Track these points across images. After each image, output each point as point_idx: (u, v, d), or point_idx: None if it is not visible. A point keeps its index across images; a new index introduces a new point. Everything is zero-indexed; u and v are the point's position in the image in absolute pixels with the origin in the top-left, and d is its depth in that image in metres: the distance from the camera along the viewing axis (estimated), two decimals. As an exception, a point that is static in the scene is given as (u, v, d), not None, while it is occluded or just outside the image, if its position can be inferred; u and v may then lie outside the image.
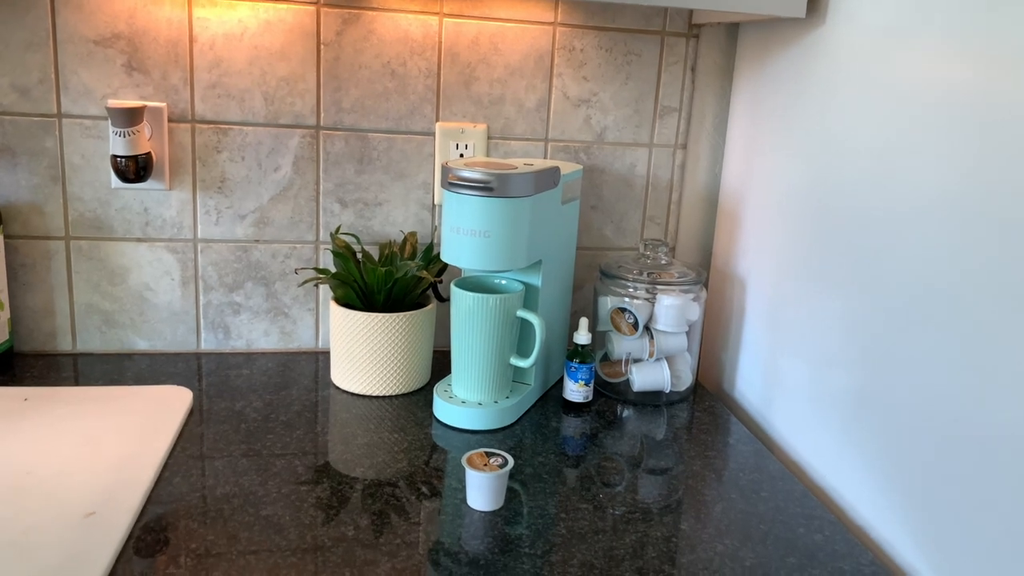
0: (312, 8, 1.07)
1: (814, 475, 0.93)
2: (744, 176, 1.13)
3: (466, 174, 0.89)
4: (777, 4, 0.89)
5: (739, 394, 1.13)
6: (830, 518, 0.81)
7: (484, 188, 0.89)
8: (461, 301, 0.95)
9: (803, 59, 0.97)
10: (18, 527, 0.70)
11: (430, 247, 1.11)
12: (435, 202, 1.16)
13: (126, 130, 1.01)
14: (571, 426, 1.00)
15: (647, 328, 1.07)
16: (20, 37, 1.02)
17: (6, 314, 1.05)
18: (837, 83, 0.89)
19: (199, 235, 1.12)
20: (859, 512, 0.84)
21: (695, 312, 1.07)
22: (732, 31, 1.17)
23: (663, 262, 1.10)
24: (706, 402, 1.10)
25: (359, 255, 1.09)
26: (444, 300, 1.12)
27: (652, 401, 1.08)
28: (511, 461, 0.80)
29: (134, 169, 1.03)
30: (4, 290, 1.04)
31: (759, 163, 1.08)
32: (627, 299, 1.06)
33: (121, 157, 1.02)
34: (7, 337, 1.06)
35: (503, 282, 1.01)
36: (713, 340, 1.21)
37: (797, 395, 0.97)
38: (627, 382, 1.08)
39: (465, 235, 0.91)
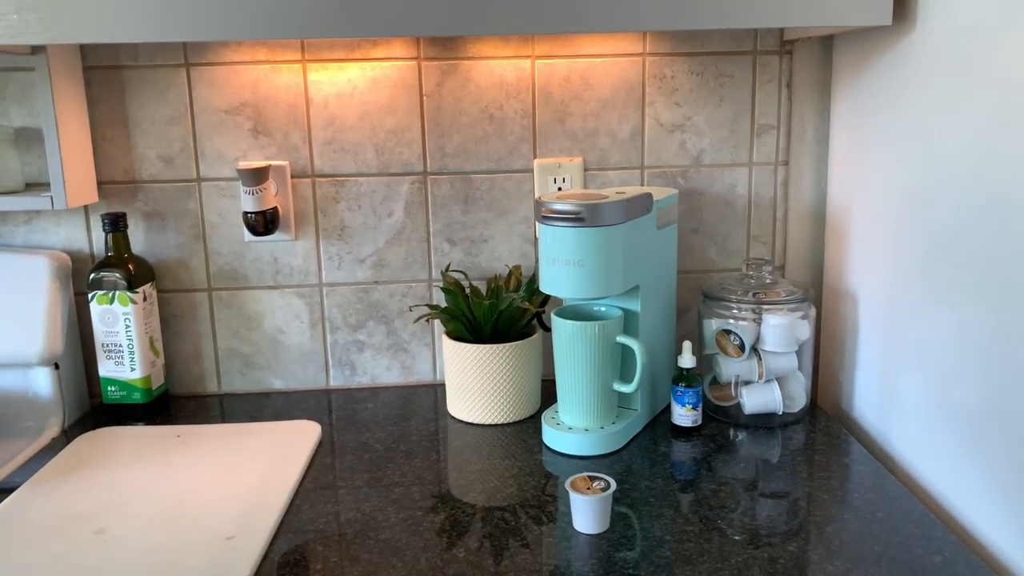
0: (413, 63, 1.15)
1: (936, 494, 0.89)
2: (850, 189, 1.10)
3: (557, 206, 0.93)
4: (861, 14, 0.88)
5: (857, 413, 1.09)
6: (951, 539, 0.78)
7: (575, 219, 0.92)
8: (561, 329, 0.98)
9: (898, 66, 0.94)
10: (172, 547, 0.79)
11: (533, 279, 1.15)
12: (537, 235, 1.21)
13: (254, 188, 1.12)
14: (680, 451, 1.00)
15: (754, 349, 1.06)
16: (163, 113, 1.15)
17: (161, 360, 1.18)
18: (934, 87, 0.87)
19: (324, 280, 1.21)
20: (984, 533, 0.80)
21: (804, 331, 1.05)
22: (827, 44, 1.16)
23: (768, 281, 1.09)
24: (822, 422, 1.07)
25: (467, 290, 1.14)
26: (548, 329, 1.15)
27: (765, 424, 1.07)
28: (613, 484, 0.82)
29: (263, 223, 1.14)
30: (159, 339, 1.17)
31: (864, 174, 1.05)
32: (732, 321, 1.05)
33: (251, 213, 1.13)
34: (163, 381, 1.18)
35: (603, 309, 1.04)
36: (829, 358, 1.18)
37: (916, 412, 0.94)
38: (738, 405, 1.07)
39: (560, 265, 0.95)
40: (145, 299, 1.13)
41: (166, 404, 1.19)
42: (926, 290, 0.91)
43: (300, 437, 1.04)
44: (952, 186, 0.84)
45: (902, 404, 0.97)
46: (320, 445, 1.04)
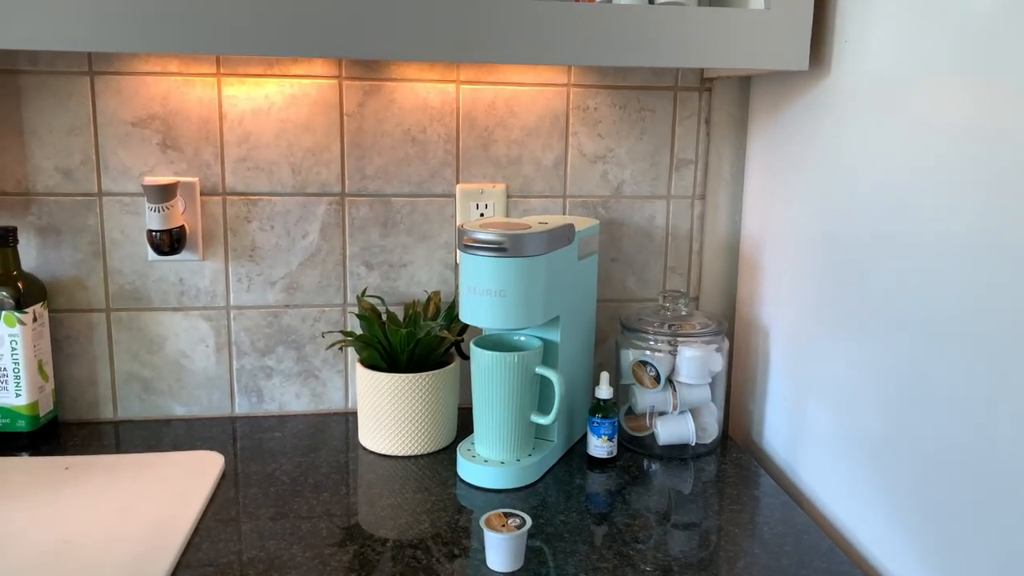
0: (335, 82, 1.12)
1: (841, 527, 0.91)
2: (763, 224, 1.13)
3: (480, 236, 0.91)
4: (779, 59, 0.91)
5: (767, 445, 1.12)
6: (856, 573, 0.79)
7: (497, 249, 0.91)
8: (480, 359, 0.97)
9: (813, 108, 0.97)
10: (53, 595, 0.73)
11: (452, 306, 1.13)
12: (457, 262, 1.19)
13: (160, 205, 1.06)
14: (595, 482, 1.00)
15: (670, 380, 1.07)
16: (64, 122, 1.08)
17: (51, 385, 1.10)
18: (847, 131, 0.90)
19: (232, 302, 1.16)
20: (887, 566, 0.82)
21: (718, 363, 1.07)
22: (744, 84, 1.19)
23: (684, 313, 1.10)
24: (733, 454, 1.08)
25: (384, 316, 1.12)
26: (467, 358, 1.13)
27: (678, 455, 1.08)
28: (529, 521, 0.81)
29: (169, 242, 1.08)
30: (49, 362, 1.09)
31: (777, 211, 1.08)
32: (648, 352, 1.06)
33: (156, 231, 1.07)
34: (52, 407, 1.10)
35: (522, 339, 1.03)
36: (741, 390, 1.20)
37: (822, 444, 0.96)
38: (652, 436, 1.08)
39: (481, 295, 0.93)
40: (35, 320, 1.05)
41: (55, 432, 1.11)
42: (833, 324, 0.93)
43: (201, 469, 0.98)
44: (859, 223, 0.87)
45: (809, 436, 0.99)
46: (223, 477, 0.99)
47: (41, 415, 1.07)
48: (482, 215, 1.17)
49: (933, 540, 0.75)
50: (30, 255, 1.11)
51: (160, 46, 0.84)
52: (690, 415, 1.07)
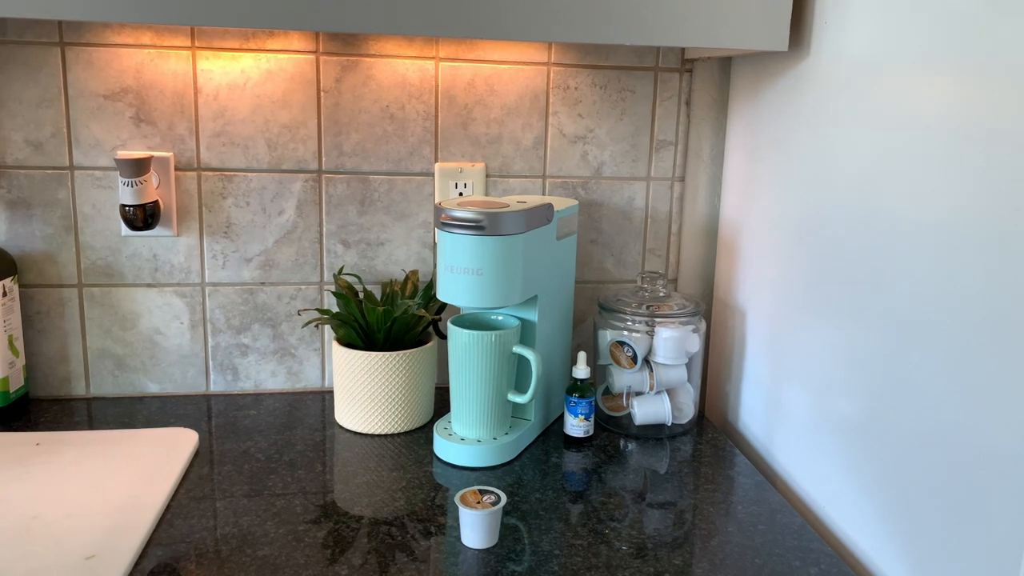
0: (312, 57, 1.11)
1: (814, 506, 0.92)
2: (742, 206, 1.13)
3: (458, 214, 0.91)
4: (760, 39, 0.91)
5: (743, 425, 1.12)
6: (827, 551, 0.80)
7: (475, 227, 0.90)
8: (457, 338, 0.96)
9: (793, 90, 0.97)
10: (21, 569, 0.72)
11: (430, 285, 1.12)
12: (436, 241, 1.18)
13: (134, 180, 1.04)
14: (572, 461, 1.00)
15: (646, 361, 1.07)
16: (34, 94, 1.06)
17: (22, 361, 1.08)
18: (826, 113, 0.90)
19: (207, 279, 1.15)
20: (858, 544, 0.83)
21: (695, 344, 1.07)
22: (725, 65, 1.19)
23: (661, 294, 1.10)
24: (709, 434, 1.09)
25: (361, 295, 1.11)
26: (445, 337, 1.13)
27: (654, 434, 1.08)
28: (504, 498, 0.81)
29: (142, 217, 1.07)
30: (20, 338, 1.08)
31: (756, 193, 1.09)
32: (626, 332, 1.06)
33: (129, 206, 1.06)
34: (23, 383, 1.09)
35: (500, 318, 1.03)
36: (717, 371, 1.21)
37: (797, 425, 0.97)
38: (629, 416, 1.08)
39: (459, 273, 0.93)
40: (5, 294, 1.04)
41: (26, 408, 1.10)
42: (807, 306, 0.94)
43: (175, 446, 0.98)
44: (837, 207, 0.88)
45: (785, 417, 1.00)
46: (197, 454, 0.98)
47: (11, 391, 1.06)
48: (461, 194, 1.17)
49: (902, 519, 0.76)
50: (-1, 229, 1.09)
51: (132, 16, 0.82)
52: (666, 395, 1.07)
